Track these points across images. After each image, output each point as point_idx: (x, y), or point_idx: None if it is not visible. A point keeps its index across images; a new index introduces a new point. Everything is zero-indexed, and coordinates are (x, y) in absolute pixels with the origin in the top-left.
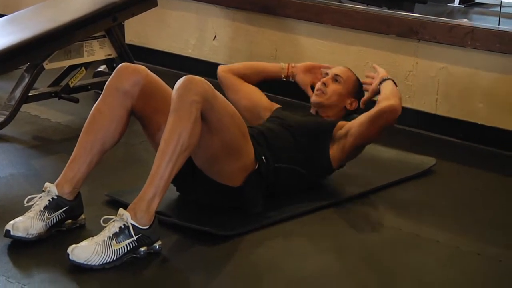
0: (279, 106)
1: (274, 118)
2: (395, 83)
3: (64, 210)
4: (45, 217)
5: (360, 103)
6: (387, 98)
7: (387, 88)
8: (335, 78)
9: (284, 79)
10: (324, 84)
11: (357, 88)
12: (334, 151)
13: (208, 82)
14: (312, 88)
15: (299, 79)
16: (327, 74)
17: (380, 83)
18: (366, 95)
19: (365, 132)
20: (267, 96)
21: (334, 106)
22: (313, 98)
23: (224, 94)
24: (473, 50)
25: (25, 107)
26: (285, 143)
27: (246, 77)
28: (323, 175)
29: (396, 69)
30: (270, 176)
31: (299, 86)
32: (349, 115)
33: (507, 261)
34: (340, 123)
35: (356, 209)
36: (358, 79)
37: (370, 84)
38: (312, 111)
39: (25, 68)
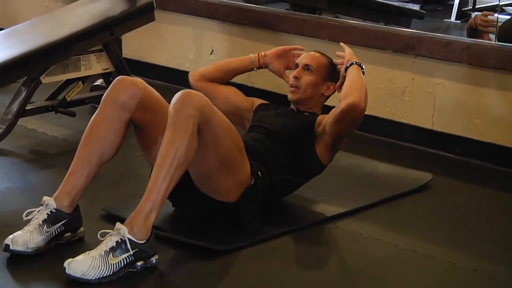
0: (259, 103)
1: (257, 127)
2: (361, 66)
3: (63, 223)
4: (44, 230)
5: (336, 89)
6: (345, 95)
7: (349, 79)
8: (306, 68)
9: (257, 70)
10: (296, 78)
11: (331, 71)
12: (320, 148)
13: (205, 97)
14: (288, 74)
15: (272, 67)
16: (297, 64)
17: (346, 68)
18: (339, 80)
19: (337, 130)
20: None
21: (311, 97)
22: (289, 96)
23: None
24: (470, 66)
25: (22, 121)
26: (276, 155)
27: (218, 79)
28: (318, 174)
29: (392, 84)
30: (266, 190)
31: (274, 74)
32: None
33: (503, 277)
34: (319, 118)
35: (352, 224)
36: (330, 61)
37: (342, 64)
38: (292, 107)
39: (22, 82)
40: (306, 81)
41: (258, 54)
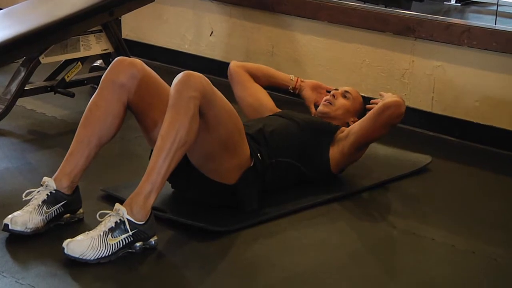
0: (278, 110)
1: (275, 116)
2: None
3: (63, 204)
4: (43, 211)
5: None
6: (390, 96)
7: (389, 94)
8: (345, 95)
9: (291, 91)
10: (333, 96)
11: (362, 110)
12: (333, 152)
13: (206, 78)
14: (316, 107)
15: (305, 94)
16: (337, 89)
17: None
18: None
19: (368, 128)
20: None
21: (338, 120)
22: (320, 108)
23: (224, 91)
24: (470, 49)
25: (20, 101)
26: (285, 138)
27: (256, 77)
28: (320, 175)
29: (392, 67)
30: (267, 172)
31: (304, 101)
32: None
33: (502, 260)
34: (343, 127)
35: (351, 206)
36: (363, 102)
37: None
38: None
39: (21, 62)
40: (341, 102)
41: (297, 78)
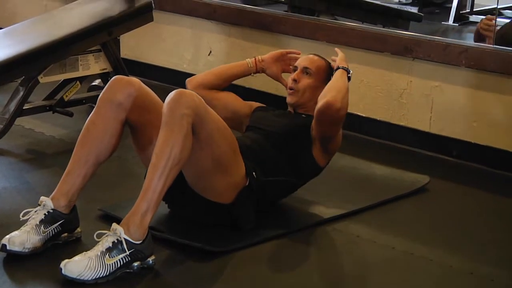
0: (256, 106)
1: (254, 128)
2: (348, 71)
3: (60, 223)
4: (41, 230)
5: None
6: (322, 96)
7: (331, 81)
8: (305, 71)
9: (254, 75)
10: (295, 81)
11: (329, 75)
12: (316, 151)
13: (199, 96)
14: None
15: (270, 72)
16: (295, 67)
17: (333, 72)
18: None
19: (319, 131)
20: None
21: (310, 100)
22: (288, 99)
23: None
24: (467, 69)
25: (19, 120)
26: (273, 156)
27: (217, 86)
28: (313, 177)
29: (390, 87)
30: (261, 191)
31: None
32: None
33: (499, 280)
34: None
35: (349, 227)
36: (328, 64)
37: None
38: (290, 109)
39: (20, 81)
40: (304, 84)
41: (255, 59)
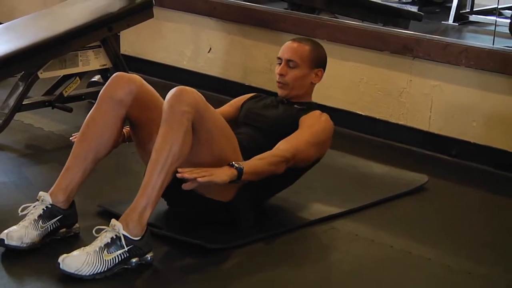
0: (245, 98)
1: (244, 124)
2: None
3: (59, 218)
4: (39, 225)
5: None
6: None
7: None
8: (289, 65)
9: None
10: (281, 75)
11: (315, 57)
12: None
13: (199, 93)
14: None
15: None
16: (280, 59)
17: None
18: None
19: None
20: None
21: (301, 89)
22: (279, 92)
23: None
24: (467, 69)
25: (18, 116)
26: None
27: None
28: (310, 167)
29: (390, 85)
30: (260, 188)
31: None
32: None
33: (497, 280)
34: (301, 119)
35: (347, 225)
36: (312, 47)
37: None
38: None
39: (19, 76)
40: (292, 76)
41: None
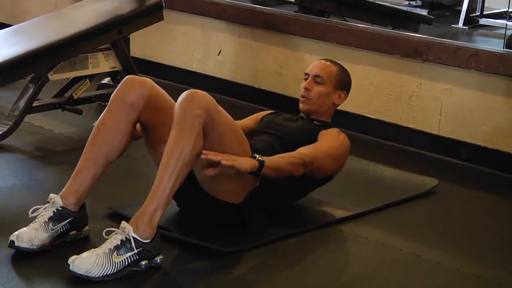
0: (264, 114)
1: (264, 133)
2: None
3: (69, 221)
4: (49, 228)
5: None
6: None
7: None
8: (316, 79)
9: None
10: (307, 89)
11: (342, 79)
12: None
13: (211, 97)
14: None
15: None
16: (307, 74)
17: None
18: None
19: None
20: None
21: (322, 107)
22: (301, 106)
23: (231, 110)
24: (477, 73)
25: (28, 118)
26: None
27: None
28: (324, 183)
29: (400, 89)
30: (270, 192)
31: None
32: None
33: (507, 285)
34: (320, 134)
35: (357, 228)
36: (340, 69)
37: None
38: (302, 115)
39: (29, 78)
40: (317, 92)
41: None
